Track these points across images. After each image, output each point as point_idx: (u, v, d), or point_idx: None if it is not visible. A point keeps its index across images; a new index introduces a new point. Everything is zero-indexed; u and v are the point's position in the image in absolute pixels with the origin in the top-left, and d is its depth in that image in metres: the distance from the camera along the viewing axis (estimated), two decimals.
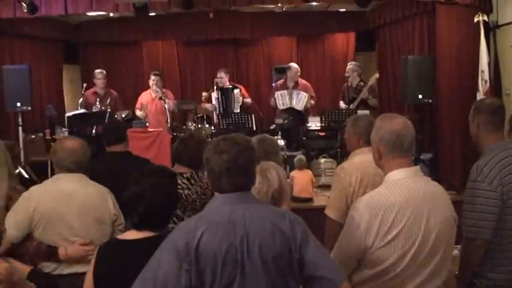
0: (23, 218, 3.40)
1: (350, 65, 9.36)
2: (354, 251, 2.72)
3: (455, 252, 4.72)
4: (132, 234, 2.73)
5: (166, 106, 8.89)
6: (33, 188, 3.56)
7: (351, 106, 8.85)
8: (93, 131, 8.55)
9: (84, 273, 2.84)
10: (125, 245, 2.70)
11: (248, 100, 9.71)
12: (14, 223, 3.40)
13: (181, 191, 3.96)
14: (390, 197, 2.67)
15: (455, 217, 2.84)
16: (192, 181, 4.05)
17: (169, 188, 2.82)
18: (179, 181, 3.97)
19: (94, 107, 8.97)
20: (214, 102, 9.45)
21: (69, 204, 3.45)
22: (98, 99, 9.09)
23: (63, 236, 3.44)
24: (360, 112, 8.17)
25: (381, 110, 9.03)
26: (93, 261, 2.75)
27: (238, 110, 9.30)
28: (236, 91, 9.44)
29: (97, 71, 9.44)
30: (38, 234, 3.41)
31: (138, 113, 9.26)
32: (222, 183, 2.34)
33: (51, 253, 3.38)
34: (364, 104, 8.78)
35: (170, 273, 2.17)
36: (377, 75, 8.84)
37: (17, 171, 5.63)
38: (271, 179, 3.01)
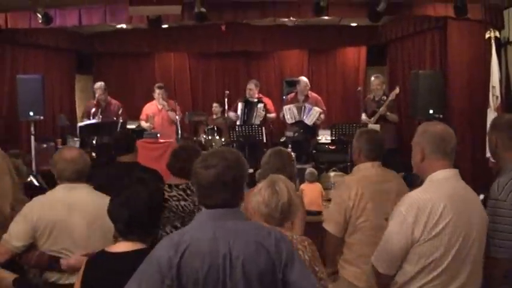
0: (26, 228, 3.40)
1: (377, 78, 9.11)
2: (401, 245, 2.77)
3: None
4: (120, 246, 2.74)
5: (177, 117, 8.93)
6: (36, 199, 3.55)
7: (372, 119, 8.79)
8: (94, 142, 8.59)
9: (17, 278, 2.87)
10: (113, 258, 2.71)
11: (273, 115, 9.65)
12: (17, 233, 3.40)
13: (177, 203, 3.97)
14: (437, 193, 2.77)
15: (488, 224, 2.91)
16: (188, 191, 4.03)
17: (153, 195, 2.85)
18: (175, 192, 4.01)
19: (96, 118, 9.01)
20: (239, 112, 9.48)
21: (72, 215, 3.45)
22: (101, 110, 9.14)
23: (67, 247, 3.43)
24: (371, 126, 8.17)
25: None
26: (80, 273, 2.76)
27: (258, 123, 9.25)
28: (260, 105, 9.40)
29: (96, 84, 9.52)
30: (42, 245, 3.41)
31: (144, 124, 9.30)
32: (208, 199, 2.32)
33: (53, 263, 3.38)
34: (384, 118, 8.66)
35: (153, 287, 2.18)
36: (397, 90, 8.65)
37: (28, 179, 5.65)
38: (280, 192, 2.98)
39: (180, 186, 4.06)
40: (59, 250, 3.42)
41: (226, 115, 9.57)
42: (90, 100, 9.46)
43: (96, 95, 9.33)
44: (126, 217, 2.71)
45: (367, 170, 3.82)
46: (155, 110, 9.35)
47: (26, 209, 3.48)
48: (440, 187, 2.81)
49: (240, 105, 9.51)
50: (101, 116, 9.03)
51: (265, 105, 9.49)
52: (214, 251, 2.20)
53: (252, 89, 9.53)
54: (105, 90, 9.36)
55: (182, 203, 3.99)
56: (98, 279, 2.68)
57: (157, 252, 2.24)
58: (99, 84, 9.43)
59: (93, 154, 8.75)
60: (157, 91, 9.29)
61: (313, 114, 9.15)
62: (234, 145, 8.71)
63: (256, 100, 9.51)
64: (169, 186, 4.07)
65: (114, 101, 9.47)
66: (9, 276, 2.92)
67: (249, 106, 9.45)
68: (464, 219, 2.75)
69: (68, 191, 3.55)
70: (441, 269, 2.74)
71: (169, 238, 2.32)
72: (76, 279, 2.81)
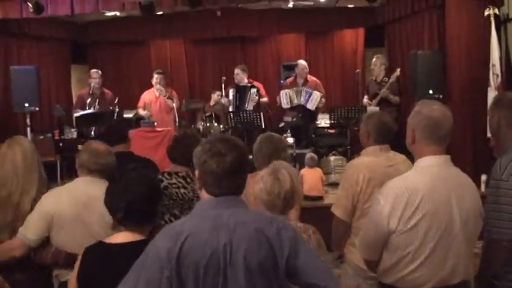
0: (41, 221, 3.32)
1: (376, 58, 9.11)
2: (379, 234, 2.73)
3: (476, 250, 4.66)
4: (119, 237, 2.71)
5: (174, 105, 8.87)
6: (54, 190, 3.49)
7: (373, 102, 8.71)
8: (92, 132, 8.54)
9: None
10: (112, 249, 2.68)
11: (265, 100, 9.62)
12: (32, 226, 3.33)
13: (176, 190, 3.92)
14: (417, 182, 2.68)
15: (482, 210, 2.82)
16: (188, 179, 3.98)
17: (150, 183, 2.84)
18: (174, 180, 3.95)
19: (92, 107, 8.93)
20: (231, 98, 9.42)
21: (89, 209, 3.36)
22: (98, 99, 9.06)
23: (83, 242, 3.37)
24: (371, 109, 8.10)
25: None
26: (77, 264, 2.72)
27: (251, 109, 9.21)
28: (253, 90, 9.31)
29: (92, 70, 9.47)
30: (56, 239, 3.34)
31: (141, 112, 9.26)
32: (215, 187, 2.26)
33: (70, 261, 3.22)
34: (386, 101, 8.59)
35: (152, 279, 2.13)
36: (398, 72, 8.62)
37: None
38: (282, 180, 2.92)
39: (180, 174, 4.01)
40: (74, 246, 3.29)
41: (223, 100, 9.51)
42: (83, 89, 9.34)
43: (92, 83, 9.24)
44: (124, 206, 2.68)
45: (375, 154, 3.75)
46: (152, 98, 9.31)
47: (42, 200, 3.41)
48: (423, 175, 2.71)
49: (231, 91, 9.43)
50: (98, 106, 8.95)
51: (258, 91, 9.41)
52: (215, 240, 2.15)
53: (239, 74, 9.47)
54: (101, 78, 9.29)
55: (182, 190, 3.94)
56: (96, 270, 2.64)
57: (157, 243, 2.20)
58: (96, 71, 9.35)
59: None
60: (155, 76, 9.26)
61: (314, 99, 9.10)
62: (230, 131, 8.65)
63: (249, 85, 9.43)
64: (169, 173, 4.01)
65: (107, 91, 9.42)
66: None
67: (241, 91, 9.35)
68: (445, 210, 2.66)
69: (87, 185, 3.47)
70: (419, 262, 2.68)
71: (168, 228, 2.28)
72: (73, 270, 2.75)
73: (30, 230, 3.33)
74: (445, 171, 2.75)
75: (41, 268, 3.46)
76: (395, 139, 3.84)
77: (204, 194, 2.31)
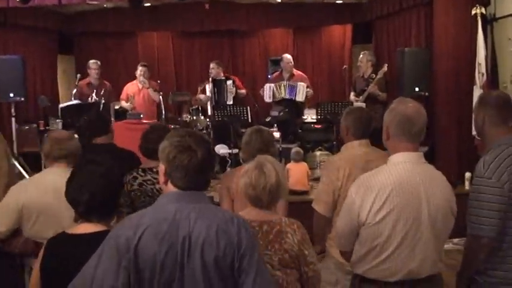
0: (11, 213, 3.33)
1: (363, 54, 9.12)
2: (351, 225, 2.82)
3: (450, 245, 4.71)
4: (82, 228, 2.69)
5: (159, 97, 8.84)
6: (23, 182, 3.49)
7: (360, 98, 8.73)
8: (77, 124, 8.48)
9: None
10: (74, 239, 2.67)
11: (243, 91, 9.66)
12: (1, 218, 3.33)
13: (152, 186, 3.91)
14: (386, 177, 2.75)
15: (454, 209, 2.86)
16: None
17: (111, 175, 2.79)
18: (149, 176, 3.94)
19: (90, 98, 8.87)
20: (208, 93, 9.39)
21: (59, 199, 3.34)
22: (95, 90, 8.99)
23: (54, 232, 3.37)
24: (357, 105, 8.12)
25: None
26: (41, 254, 2.72)
27: (231, 102, 9.23)
28: (229, 82, 9.38)
29: (91, 61, 9.35)
30: (27, 230, 3.34)
31: (124, 104, 9.25)
32: (186, 181, 2.25)
33: (39, 250, 3.31)
34: (373, 97, 8.61)
35: (109, 268, 2.14)
36: (385, 68, 8.63)
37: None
38: (267, 174, 2.92)
39: (154, 169, 3.95)
40: (46, 237, 3.31)
41: (201, 96, 9.50)
42: (83, 80, 9.25)
43: (93, 74, 9.18)
44: (85, 199, 2.65)
45: (354, 149, 3.79)
46: (136, 90, 9.29)
47: (11, 192, 3.41)
48: (393, 171, 2.77)
49: (208, 86, 9.44)
50: (96, 98, 8.89)
51: (234, 82, 9.43)
52: (174, 233, 2.16)
53: (214, 68, 9.51)
54: (99, 69, 9.23)
55: (157, 186, 3.90)
56: (59, 260, 2.63)
57: (116, 232, 2.21)
58: (94, 61, 9.27)
59: (76, 136, 8.66)
60: (139, 68, 9.24)
61: (300, 90, 9.12)
62: (212, 125, 8.65)
63: (224, 78, 9.46)
64: (143, 170, 4.00)
65: (106, 82, 9.36)
66: None
67: (218, 85, 9.38)
68: (414, 206, 2.72)
69: (54, 175, 3.46)
70: (386, 255, 2.75)
71: (129, 219, 2.29)
72: (36, 261, 2.76)
73: None
74: (416, 167, 2.80)
75: (10, 256, 3.46)
76: (380, 135, 3.86)
77: (168, 188, 2.30)
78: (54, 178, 3.44)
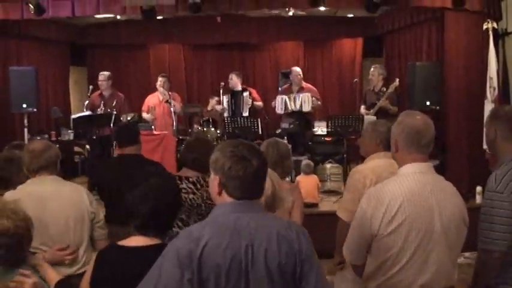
0: None
1: (374, 68, 9.08)
2: (362, 238, 2.81)
3: (462, 259, 4.68)
4: (134, 241, 2.64)
5: (172, 109, 8.88)
6: (7, 194, 3.48)
7: (371, 111, 8.71)
8: (94, 135, 8.52)
9: (62, 279, 2.79)
10: (127, 252, 2.61)
11: (259, 103, 9.67)
12: None
13: (185, 195, 3.89)
14: (397, 188, 2.74)
15: (466, 219, 2.85)
16: (198, 186, 3.96)
17: (173, 189, 2.76)
18: (184, 185, 3.93)
19: (99, 109, 8.91)
20: (225, 105, 9.44)
21: (44, 208, 3.40)
22: (103, 101, 9.02)
23: (41, 241, 3.36)
24: (368, 118, 8.11)
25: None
26: (92, 265, 2.67)
27: (247, 113, 9.25)
28: (245, 94, 9.40)
29: (100, 73, 9.37)
30: None
31: (145, 115, 9.27)
32: (242, 191, 2.25)
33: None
34: (384, 111, 8.55)
35: (172, 282, 2.11)
36: (397, 82, 8.59)
37: None
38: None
39: (191, 179, 3.98)
40: (36, 246, 3.33)
41: (217, 107, 9.54)
42: (95, 92, 9.29)
43: (101, 85, 9.19)
44: (145, 212, 2.60)
45: (380, 160, 3.78)
46: (156, 101, 9.31)
47: None
48: (403, 182, 2.77)
49: (225, 98, 9.47)
50: (103, 108, 8.92)
51: (250, 93, 9.45)
52: (236, 242, 2.16)
53: (233, 79, 9.55)
54: (109, 80, 9.20)
55: (191, 196, 3.92)
56: (110, 273, 2.58)
57: (177, 245, 2.18)
58: (102, 73, 9.29)
59: (87, 147, 8.71)
60: (159, 79, 9.30)
61: (306, 101, 9.08)
62: (225, 137, 8.68)
63: (240, 89, 9.48)
64: (180, 178, 3.98)
65: (119, 94, 9.29)
66: (52, 276, 2.81)
67: (235, 96, 9.42)
68: (425, 217, 2.71)
69: (39, 185, 3.50)
70: (399, 266, 2.74)
71: (187, 232, 2.26)
72: (86, 272, 2.72)
73: None
74: (427, 177, 2.80)
75: None
76: None
77: (222, 198, 2.29)
78: (37, 188, 3.47)
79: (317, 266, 2.28)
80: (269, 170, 3.07)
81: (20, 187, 3.57)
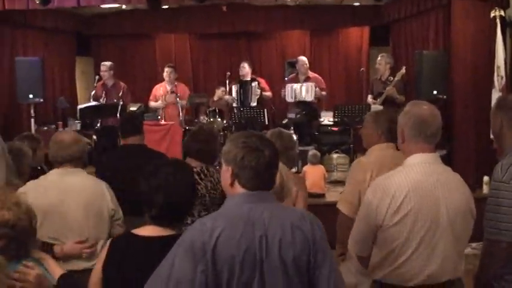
0: None
1: (381, 57, 9.02)
2: (368, 228, 2.81)
3: (469, 250, 4.66)
4: (148, 230, 2.61)
5: (178, 99, 8.88)
6: (30, 183, 3.49)
7: (378, 101, 8.68)
8: (98, 124, 8.54)
9: (80, 271, 2.78)
10: (140, 241, 2.59)
11: (268, 94, 9.64)
12: None
13: None
14: (402, 179, 2.73)
15: (473, 210, 2.84)
16: (202, 176, 3.95)
17: (189, 179, 2.73)
18: None
19: (101, 99, 8.91)
20: (234, 94, 9.43)
21: (65, 200, 3.40)
22: (105, 91, 9.03)
23: (60, 233, 3.38)
24: (375, 108, 8.08)
25: None
26: (104, 253, 2.65)
27: (255, 103, 9.24)
28: (254, 84, 9.38)
29: (102, 63, 9.39)
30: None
31: (154, 104, 9.23)
32: (255, 181, 2.25)
33: (46, 250, 3.23)
34: (390, 100, 8.49)
35: (185, 274, 2.11)
36: (403, 70, 8.53)
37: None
38: None
39: (195, 170, 3.91)
40: (53, 237, 3.36)
41: (226, 96, 9.52)
42: (97, 82, 9.31)
43: (103, 75, 9.23)
44: (161, 202, 2.57)
45: (383, 151, 3.76)
46: (164, 92, 9.28)
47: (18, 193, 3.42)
48: (409, 172, 2.76)
49: (234, 87, 9.46)
50: (105, 98, 8.94)
51: (259, 83, 9.44)
52: (250, 234, 2.15)
53: (245, 68, 9.52)
54: (111, 70, 9.22)
55: (197, 187, 3.91)
56: (123, 262, 2.56)
57: (190, 236, 2.17)
58: (103, 63, 9.31)
59: (94, 137, 8.73)
60: (165, 69, 9.27)
61: (309, 90, 9.06)
62: (233, 127, 8.67)
63: (249, 79, 9.48)
64: None
65: (122, 83, 9.30)
66: (55, 270, 2.81)
67: (244, 87, 9.41)
68: (430, 207, 2.70)
69: (62, 176, 3.49)
70: (405, 257, 2.73)
71: (201, 222, 2.24)
72: (98, 260, 2.72)
73: None
74: (433, 168, 2.79)
75: None
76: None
77: (235, 189, 2.28)
78: (60, 179, 3.47)
79: (330, 256, 2.28)
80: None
81: (42, 177, 3.58)
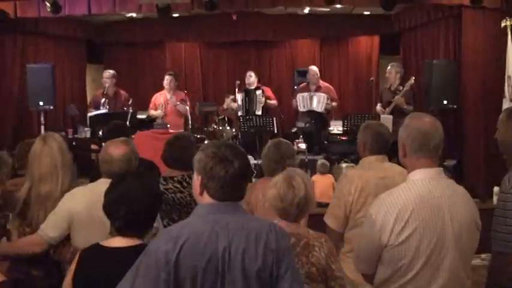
0: (62, 220, 3.33)
1: (391, 66, 8.96)
2: (371, 248, 2.72)
3: (478, 261, 4.63)
4: (116, 241, 2.66)
5: (187, 109, 8.87)
6: (77, 190, 3.47)
7: (386, 110, 8.63)
8: (100, 133, 8.55)
9: (5, 280, 2.78)
10: (109, 253, 2.63)
11: (273, 102, 9.64)
12: (52, 224, 3.34)
13: (173, 195, 3.90)
14: (407, 196, 2.64)
15: (478, 223, 2.77)
16: (184, 184, 3.95)
17: (152, 188, 2.77)
18: (170, 185, 3.93)
19: (101, 107, 8.93)
20: (239, 103, 9.44)
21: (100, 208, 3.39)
22: (107, 100, 8.96)
23: (101, 238, 3.38)
24: (384, 117, 8.06)
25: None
26: (73, 266, 2.69)
27: (260, 111, 9.25)
28: (258, 92, 9.39)
29: (105, 71, 9.38)
30: (76, 239, 3.33)
31: (154, 112, 9.20)
32: (223, 192, 2.25)
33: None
34: (399, 109, 8.36)
35: (148, 282, 2.13)
36: (412, 80, 8.43)
37: None
38: (296, 187, 2.89)
39: (176, 178, 3.98)
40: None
41: (232, 104, 9.53)
42: (98, 90, 9.35)
43: (104, 83, 9.22)
44: (123, 213, 2.61)
45: (370, 164, 3.74)
46: (164, 100, 9.28)
47: (64, 199, 3.41)
48: (413, 189, 2.66)
49: (239, 96, 9.47)
50: (107, 107, 8.95)
51: (263, 92, 9.43)
52: (214, 244, 2.16)
53: (252, 77, 9.52)
54: (113, 78, 9.23)
55: (178, 195, 3.92)
56: (92, 272, 2.61)
57: (155, 245, 2.20)
58: (107, 71, 9.33)
59: (104, 144, 8.73)
60: (166, 77, 9.20)
61: (320, 101, 9.05)
62: (240, 135, 8.67)
63: (253, 88, 9.48)
64: (165, 179, 4.00)
65: (122, 92, 9.31)
66: None
67: (248, 95, 9.42)
68: (436, 224, 2.62)
69: (107, 186, 3.47)
70: (412, 275, 2.65)
71: (167, 231, 2.30)
72: (68, 272, 2.74)
73: (50, 228, 3.35)
74: (437, 183, 2.69)
75: (57, 264, 3.48)
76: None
77: (204, 198, 2.30)
78: (100, 188, 3.46)
79: (293, 266, 2.30)
80: (301, 172, 3.06)
81: (91, 184, 3.54)
